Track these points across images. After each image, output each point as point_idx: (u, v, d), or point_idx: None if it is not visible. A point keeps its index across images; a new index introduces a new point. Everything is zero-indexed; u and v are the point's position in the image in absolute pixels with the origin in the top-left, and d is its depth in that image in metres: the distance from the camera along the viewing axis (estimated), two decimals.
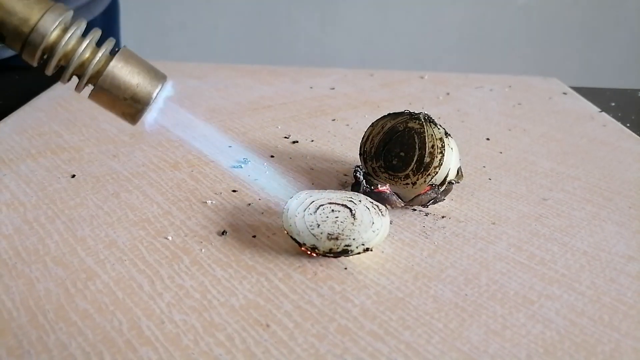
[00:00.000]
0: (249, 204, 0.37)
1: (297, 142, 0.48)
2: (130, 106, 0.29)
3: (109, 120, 0.50)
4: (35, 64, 0.28)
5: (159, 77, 0.29)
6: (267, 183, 0.39)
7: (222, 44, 1.60)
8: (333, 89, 0.64)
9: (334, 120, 0.54)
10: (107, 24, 0.59)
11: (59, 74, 0.29)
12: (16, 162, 0.41)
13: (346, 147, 0.47)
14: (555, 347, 0.25)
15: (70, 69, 0.28)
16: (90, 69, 0.28)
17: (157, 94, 0.29)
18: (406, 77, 0.70)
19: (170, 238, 0.32)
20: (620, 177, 0.43)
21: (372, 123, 0.39)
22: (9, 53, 0.64)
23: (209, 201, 0.37)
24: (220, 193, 0.38)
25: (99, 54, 0.28)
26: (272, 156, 0.44)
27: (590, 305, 0.28)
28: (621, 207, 0.38)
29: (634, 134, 0.52)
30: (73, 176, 0.40)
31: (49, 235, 0.32)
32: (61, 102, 0.55)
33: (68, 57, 0.28)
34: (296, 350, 0.24)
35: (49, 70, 0.28)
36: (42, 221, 0.34)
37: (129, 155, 0.43)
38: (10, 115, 0.51)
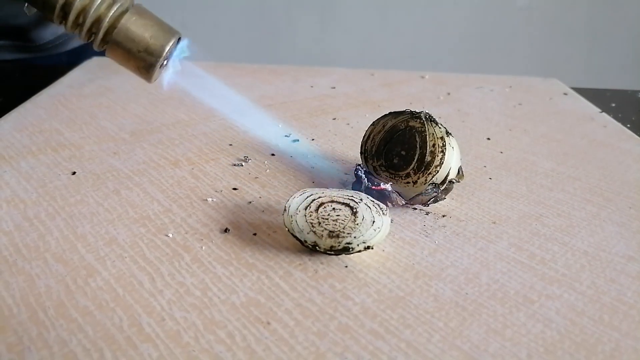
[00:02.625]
0: (250, 202, 0.37)
1: (297, 140, 0.48)
2: (144, 59, 0.30)
3: (109, 118, 0.50)
4: (57, 23, 0.30)
5: (173, 32, 0.30)
6: (267, 181, 0.39)
7: (222, 43, 1.60)
8: (334, 88, 0.64)
9: (334, 119, 0.54)
10: None
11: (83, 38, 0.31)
12: (16, 159, 0.41)
13: (347, 145, 0.47)
14: (555, 346, 0.25)
15: (87, 24, 0.29)
16: (106, 22, 0.29)
17: (170, 47, 0.30)
18: (407, 77, 0.70)
19: (170, 235, 0.32)
20: (621, 178, 0.43)
21: (373, 122, 0.39)
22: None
23: (210, 199, 0.37)
24: (221, 191, 0.38)
25: (114, 8, 0.29)
26: (272, 154, 0.44)
27: (591, 305, 0.28)
28: (621, 207, 0.38)
29: (634, 134, 0.53)
30: (73, 173, 0.40)
31: (49, 232, 0.32)
32: (62, 99, 0.55)
33: (85, 12, 0.29)
34: (297, 348, 0.24)
35: (68, 27, 0.30)
36: (42, 218, 0.34)
37: (129, 152, 0.43)
38: (10, 112, 0.51)
